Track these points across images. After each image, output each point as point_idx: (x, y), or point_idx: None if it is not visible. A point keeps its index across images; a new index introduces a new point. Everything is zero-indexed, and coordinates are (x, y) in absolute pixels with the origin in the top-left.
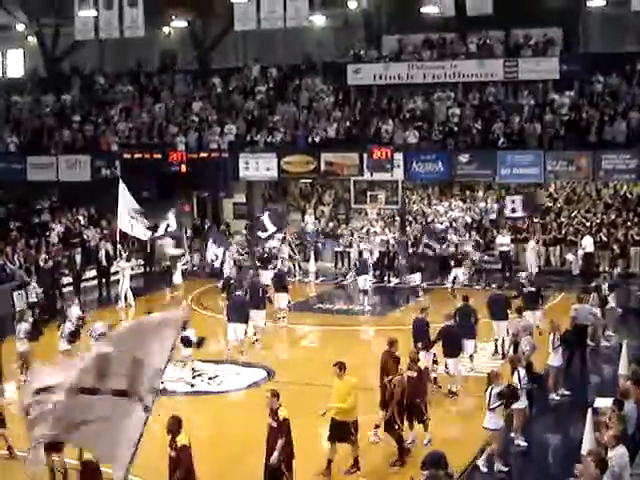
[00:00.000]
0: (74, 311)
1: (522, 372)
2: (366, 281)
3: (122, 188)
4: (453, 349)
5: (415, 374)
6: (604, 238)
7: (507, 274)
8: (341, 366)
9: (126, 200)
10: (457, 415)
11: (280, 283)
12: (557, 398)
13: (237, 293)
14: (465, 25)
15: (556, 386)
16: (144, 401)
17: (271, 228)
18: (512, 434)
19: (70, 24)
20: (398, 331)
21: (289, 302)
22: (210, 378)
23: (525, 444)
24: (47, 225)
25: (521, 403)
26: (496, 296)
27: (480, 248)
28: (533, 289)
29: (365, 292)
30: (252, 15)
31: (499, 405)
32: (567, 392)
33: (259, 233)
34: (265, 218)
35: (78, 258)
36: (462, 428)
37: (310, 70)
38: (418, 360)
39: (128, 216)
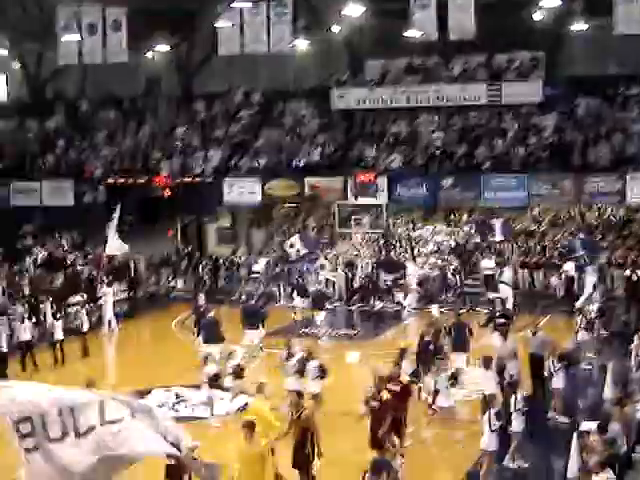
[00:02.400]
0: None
1: (519, 395)
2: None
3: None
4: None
5: (398, 387)
6: (587, 260)
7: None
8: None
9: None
10: (444, 436)
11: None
12: (567, 421)
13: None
14: (448, 49)
15: (562, 409)
16: None
17: (302, 250)
18: (507, 457)
19: (53, 49)
20: (382, 356)
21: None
22: (194, 404)
23: (526, 465)
24: (30, 250)
25: (517, 426)
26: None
27: (464, 272)
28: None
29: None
30: (236, 40)
31: (499, 426)
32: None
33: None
34: (296, 239)
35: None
36: (449, 449)
37: (294, 95)
38: (399, 376)
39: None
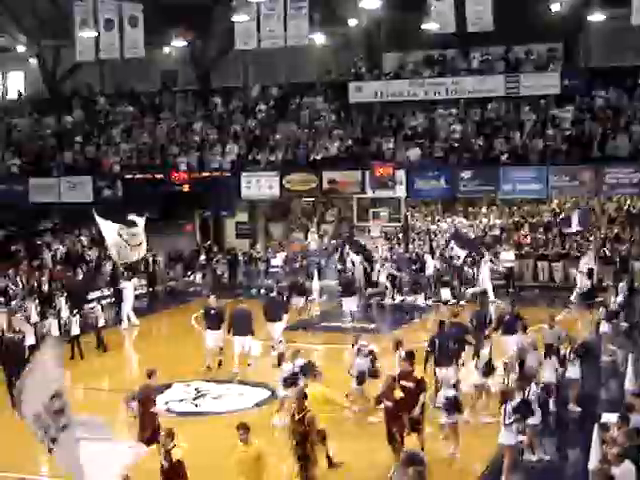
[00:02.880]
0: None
1: (534, 387)
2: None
3: (99, 220)
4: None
5: (390, 404)
6: (608, 253)
7: (511, 289)
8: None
9: (109, 229)
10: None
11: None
12: (578, 409)
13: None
14: (466, 41)
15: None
16: None
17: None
18: (525, 450)
19: (71, 45)
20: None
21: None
22: (214, 398)
23: (547, 457)
24: (49, 246)
25: (535, 419)
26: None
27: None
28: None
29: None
30: (252, 34)
31: (515, 420)
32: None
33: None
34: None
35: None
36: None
37: (311, 88)
38: (395, 389)
39: (116, 247)
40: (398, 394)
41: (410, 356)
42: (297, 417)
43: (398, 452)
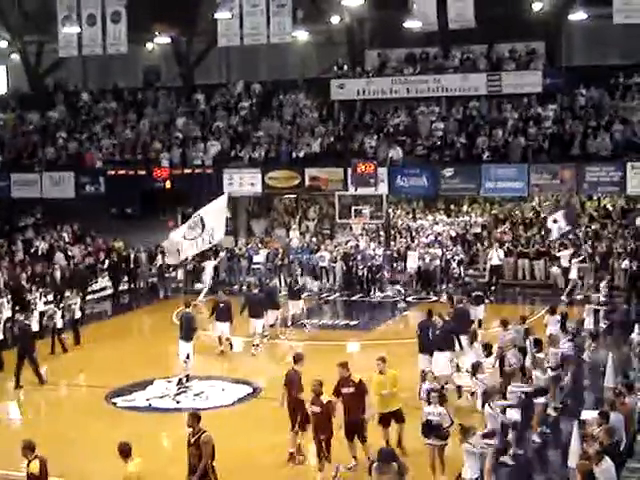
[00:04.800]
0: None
1: (515, 385)
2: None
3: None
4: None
5: (319, 409)
6: (589, 250)
7: (493, 287)
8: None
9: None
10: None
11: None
12: (558, 406)
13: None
14: (448, 39)
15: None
16: None
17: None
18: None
19: (53, 41)
20: (382, 346)
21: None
22: (195, 394)
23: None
24: (31, 242)
25: (514, 415)
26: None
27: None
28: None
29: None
30: (235, 31)
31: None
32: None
33: None
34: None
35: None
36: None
37: (293, 86)
38: (321, 394)
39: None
40: (326, 398)
41: (344, 364)
42: (192, 440)
43: (323, 461)
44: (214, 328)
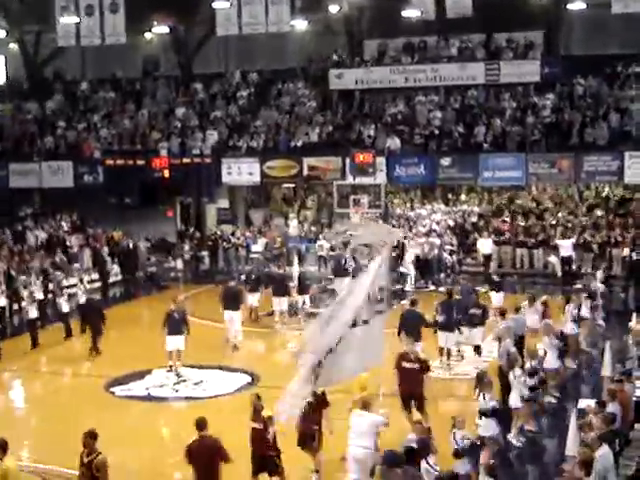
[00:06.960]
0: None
1: (518, 372)
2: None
3: None
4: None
5: (260, 425)
6: (588, 238)
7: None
8: None
9: None
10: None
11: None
12: (554, 401)
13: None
14: (446, 29)
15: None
16: None
17: None
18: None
19: (52, 30)
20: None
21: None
22: (195, 384)
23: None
24: (30, 231)
25: (517, 402)
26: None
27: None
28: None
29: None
30: (234, 21)
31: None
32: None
33: None
34: None
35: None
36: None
37: (292, 75)
38: (262, 408)
39: None
40: (267, 414)
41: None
42: (86, 460)
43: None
44: (223, 316)
